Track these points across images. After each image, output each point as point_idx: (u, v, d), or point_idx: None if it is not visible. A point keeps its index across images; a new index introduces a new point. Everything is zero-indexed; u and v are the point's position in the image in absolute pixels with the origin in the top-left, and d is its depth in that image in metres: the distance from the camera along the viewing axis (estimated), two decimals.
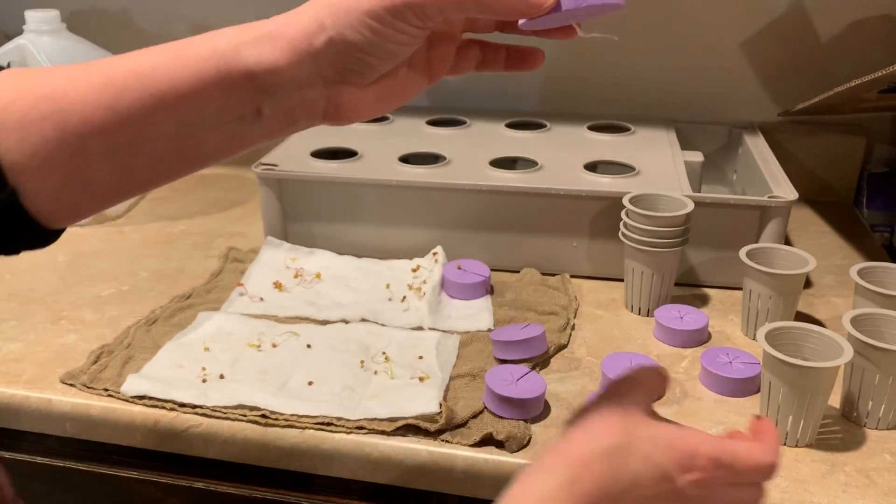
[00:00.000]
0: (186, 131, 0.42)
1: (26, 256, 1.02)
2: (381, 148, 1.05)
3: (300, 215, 0.98)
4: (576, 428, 0.45)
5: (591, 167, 0.98)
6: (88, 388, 0.73)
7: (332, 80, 0.43)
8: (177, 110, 0.42)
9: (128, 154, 0.42)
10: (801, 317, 0.86)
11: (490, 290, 0.90)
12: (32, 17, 1.04)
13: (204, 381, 0.73)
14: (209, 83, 0.41)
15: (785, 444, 0.67)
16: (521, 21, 0.43)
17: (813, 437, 0.66)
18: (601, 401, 0.47)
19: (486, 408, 0.70)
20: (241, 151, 0.45)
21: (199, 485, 0.74)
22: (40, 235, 0.44)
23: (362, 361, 0.76)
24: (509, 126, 1.14)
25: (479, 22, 0.47)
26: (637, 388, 0.48)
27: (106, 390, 0.72)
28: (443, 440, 0.67)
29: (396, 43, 0.42)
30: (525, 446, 0.66)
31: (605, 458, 0.43)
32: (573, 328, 0.83)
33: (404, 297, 0.88)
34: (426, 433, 0.67)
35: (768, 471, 0.46)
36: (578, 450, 0.44)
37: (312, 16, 0.41)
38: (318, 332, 0.81)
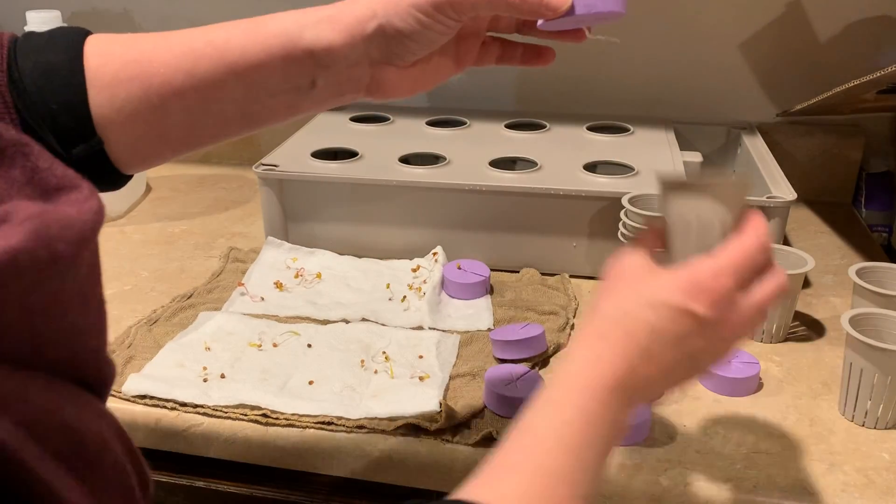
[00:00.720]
0: (252, 96, 0.50)
1: None
2: (381, 148, 1.05)
3: (301, 215, 0.98)
4: (588, 315, 0.49)
5: (591, 167, 0.98)
6: None
7: (377, 60, 0.50)
8: (245, 78, 0.49)
9: (201, 113, 0.50)
10: (800, 317, 0.86)
11: (490, 289, 0.90)
12: (33, 17, 1.04)
13: (205, 380, 0.73)
14: (275, 56, 0.49)
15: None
16: (539, 22, 0.51)
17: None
18: (603, 288, 0.49)
19: (485, 407, 0.70)
20: (293, 117, 0.53)
21: (200, 484, 0.74)
22: (115, 179, 0.51)
23: (362, 361, 0.77)
24: (509, 126, 1.14)
25: (502, 22, 0.55)
26: (629, 257, 0.49)
27: None
28: (443, 439, 0.67)
29: (435, 32, 0.49)
30: None
31: (614, 325, 0.46)
32: (573, 328, 0.84)
33: (404, 297, 0.88)
34: (426, 432, 0.67)
35: (765, 246, 0.48)
36: (592, 329, 0.47)
37: (367, 4, 0.49)
38: (318, 331, 0.82)
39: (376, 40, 0.49)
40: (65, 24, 1.06)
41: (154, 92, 0.48)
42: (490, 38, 0.56)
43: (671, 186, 0.51)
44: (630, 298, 0.47)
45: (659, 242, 0.51)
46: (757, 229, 0.49)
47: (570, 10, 0.50)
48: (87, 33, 0.50)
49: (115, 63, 0.48)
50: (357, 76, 0.51)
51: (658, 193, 0.51)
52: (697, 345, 0.46)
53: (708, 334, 0.46)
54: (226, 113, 0.51)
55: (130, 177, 0.52)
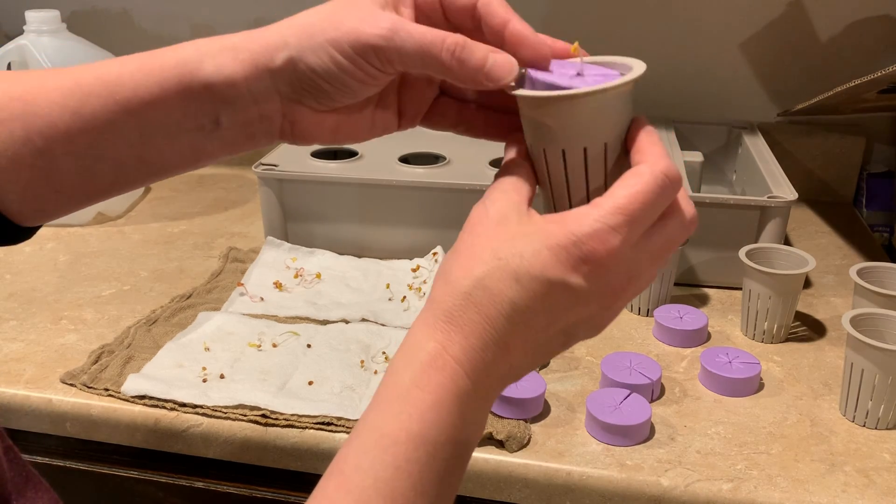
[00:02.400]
0: (148, 139, 0.43)
1: (27, 256, 1.02)
2: (381, 148, 1.05)
3: (300, 215, 0.98)
4: (437, 279, 0.40)
5: None
6: (89, 387, 0.73)
7: (289, 98, 0.42)
8: (139, 117, 0.42)
9: (91, 158, 0.43)
10: (801, 317, 0.86)
11: None
12: (33, 17, 1.04)
13: (204, 380, 0.73)
14: (171, 91, 0.42)
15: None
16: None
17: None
18: (460, 239, 0.41)
19: None
20: (201, 164, 0.45)
21: (200, 484, 0.74)
22: (11, 233, 0.45)
23: (362, 361, 0.76)
24: None
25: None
26: (493, 202, 0.41)
27: (106, 390, 0.72)
28: None
29: (354, 79, 0.41)
30: (525, 446, 0.66)
31: (468, 302, 0.38)
32: None
33: (404, 297, 0.88)
34: None
35: (664, 180, 0.38)
36: (441, 305, 0.38)
37: (279, 32, 0.42)
38: (318, 331, 0.81)
39: (285, 75, 0.41)
40: (63, 24, 1.06)
41: (37, 133, 0.42)
42: (445, 98, 0.48)
43: (532, 103, 0.40)
44: (488, 264, 0.38)
45: (533, 178, 0.41)
46: (653, 155, 0.39)
47: (520, 82, 0.41)
48: None
49: None
50: (267, 115, 0.43)
51: (521, 116, 0.41)
52: (572, 319, 0.39)
53: (587, 306, 0.38)
54: (121, 158, 0.43)
55: (32, 230, 0.46)
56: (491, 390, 0.39)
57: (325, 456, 0.68)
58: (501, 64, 0.40)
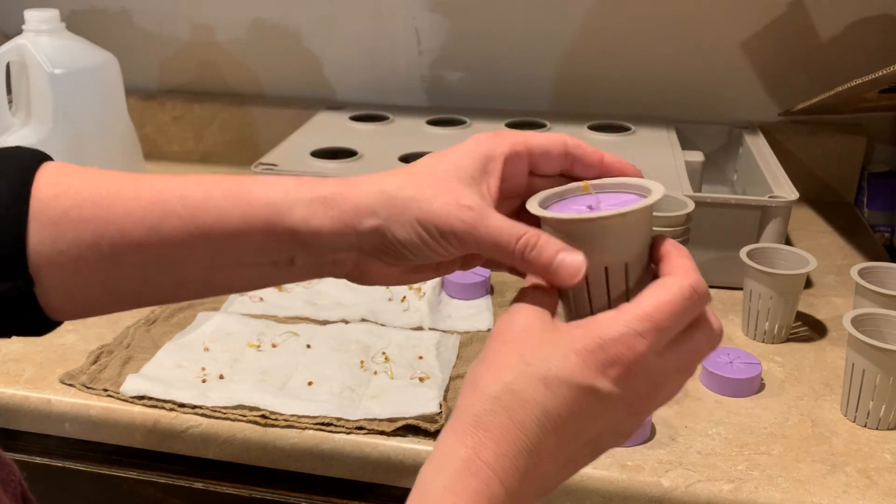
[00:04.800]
0: (220, 265, 0.44)
1: None
2: (381, 148, 1.05)
3: None
4: (464, 387, 0.40)
5: None
6: (88, 388, 0.73)
7: (367, 254, 0.44)
8: (217, 245, 0.43)
9: (157, 272, 0.43)
10: (802, 317, 0.86)
11: (490, 290, 0.90)
12: (32, 16, 1.04)
13: (203, 381, 0.73)
14: (255, 228, 0.42)
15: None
16: None
17: None
18: (486, 348, 0.41)
19: None
20: (258, 289, 0.47)
21: (199, 485, 0.74)
22: (39, 325, 0.44)
23: (362, 362, 0.76)
24: (509, 126, 1.14)
25: None
26: (518, 312, 0.41)
27: (105, 390, 0.72)
28: None
29: (434, 252, 0.43)
30: None
31: (497, 406, 0.37)
32: None
33: (404, 297, 0.88)
34: (426, 433, 0.67)
35: (693, 291, 0.39)
36: (470, 410, 0.38)
37: (367, 202, 0.42)
38: (317, 332, 0.81)
39: (371, 239, 0.43)
40: (63, 24, 1.06)
41: (108, 240, 0.42)
42: None
43: (555, 224, 0.41)
44: (517, 370, 0.37)
45: (555, 292, 0.42)
46: (682, 269, 0.40)
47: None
48: (44, 158, 0.44)
49: (68, 199, 0.42)
50: (341, 261, 0.44)
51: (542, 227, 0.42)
52: (600, 427, 0.38)
53: (615, 411, 0.38)
54: (186, 276, 0.44)
55: (58, 324, 0.45)
56: (522, 501, 0.37)
57: (325, 456, 0.68)
58: (568, 265, 0.40)
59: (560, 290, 0.42)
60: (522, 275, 0.46)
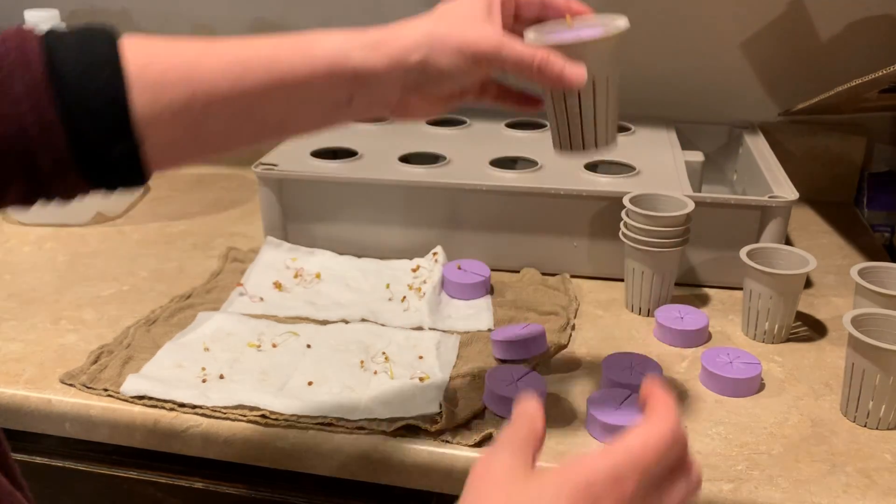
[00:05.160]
0: (292, 109, 0.52)
1: (26, 256, 1.02)
2: (381, 148, 1.05)
3: (300, 215, 0.98)
4: None
5: (592, 167, 0.98)
6: (88, 388, 0.73)
7: (410, 88, 0.54)
8: (290, 91, 0.51)
9: (242, 121, 0.51)
10: (802, 317, 0.86)
11: (490, 290, 0.90)
12: (32, 16, 1.04)
13: (204, 381, 0.73)
14: (320, 74, 0.51)
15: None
16: None
17: None
18: (469, 488, 0.41)
19: (486, 408, 0.70)
20: (323, 130, 0.56)
21: (199, 485, 0.74)
22: (141, 178, 0.50)
23: (362, 361, 0.76)
24: (509, 126, 1.14)
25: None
26: (500, 454, 0.42)
27: (105, 390, 0.72)
28: (443, 440, 0.67)
29: (465, 76, 0.54)
30: None
31: None
32: (573, 328, 0.83)
33: (404, 297, 0.88)
34: (426, 433, 0.67)
35: (676, 435, 0.40)
36: None
37: (414, 36, 0.53)
38: (318, 332, 0.81)
39: (415, 72, 0.53)
40: (63, 24, 1.06)
41: (199, 97, 0.48)
42: (490, 80, 0.62)
43: (558, 49, 0.55)
44: None
45: (535, 439, 0.42)
46: (666, 413, 0.41)
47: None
48: (116, 32, 0.49)
49: (159, 65, 0.48)
50: (388, 98, 0.54)
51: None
52: None
53: None
54: (266, 122, 0.52)
55: (149, 177, 0.51)
56: None
57: (325, 456, 0.68)
58: (574, 71, 0.54)
59: (557, 116, 0.57)
60: (522, 104, 0.63)
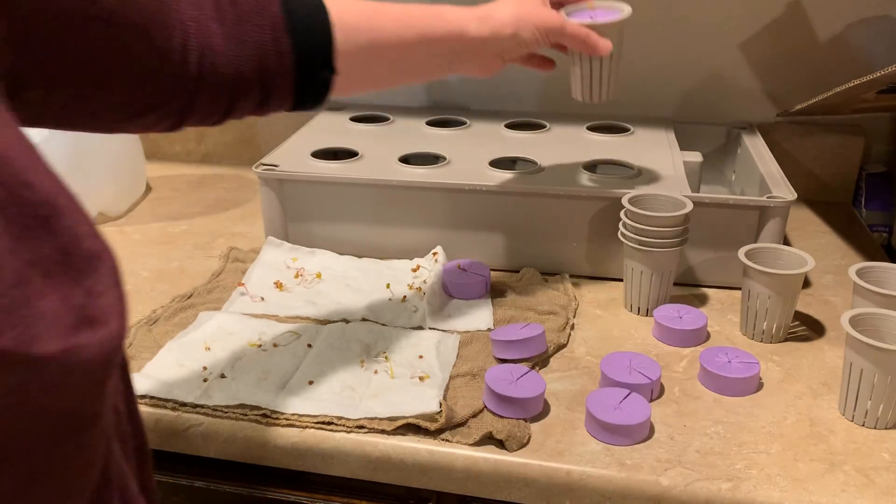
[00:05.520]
0: (426, 59, 0.73)
1: None
2: (381, 148, 1.05)
3: (301, 215, 0.98)
4: None
5: (591, 167, 0.98)
6: None
7: (496, 54, 0.76)
8: (429, 45, 0.71)
9: (396, 63, 0.71)
10: (800, 317, 0.86)
11: (490, 289, 0.90)
12: None
13: (205, 380, 0.73)
14: (449, 36, 0.71)
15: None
16: None
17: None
18: None
19: (485, 407, 0.70)
20: (434, 78, 0.82)
21: (200, 484, 0.75)
22: (323, 101, 0.66)
23: (362, 361, 0.77)
24: (509, 126, 1.14)
25: None
26: None
27: None
28: (443, 439, 0.67)
29: (536, 45, 0.77)
30: (525, 445, 0.66)
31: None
32: (573, 328, 0.84)
33: (404, 297, 0.88)
34: (426, 432, 0.67)
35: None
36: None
37: (508, 14, 0.74)
38: (318, 331, 0.82)
39: (507, 40, 0.74)
40: None
41: (374, 43, 0.66)
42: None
43: (594, 27, 0.78)
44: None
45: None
46: None
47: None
48: None
49: (350, 16, 0.65)
50: (484, 58, 0.76)
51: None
52: None
53: None
54: (408, 67, 0.72)
55: (328, 100, 0.67)
56: None
57: (325, 455, 0.68)
58: (606, 43, 0.78)
59: (581, 73, 0.82)
60: (544, 65, 0.84)
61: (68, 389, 0.26)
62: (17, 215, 0.27)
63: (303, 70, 0.62)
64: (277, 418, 0.69)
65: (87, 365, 0.26)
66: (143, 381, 0.72)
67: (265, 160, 1.00)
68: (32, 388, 0.25)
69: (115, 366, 0.29)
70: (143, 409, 0.71)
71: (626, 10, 0.80)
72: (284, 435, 0.68)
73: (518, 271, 0.95)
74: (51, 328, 0.26)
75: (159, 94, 0.57)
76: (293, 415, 0.69)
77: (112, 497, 0.34)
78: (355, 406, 0.70)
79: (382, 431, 0.68)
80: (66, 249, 0.28)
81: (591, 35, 0.77)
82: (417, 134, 1.12)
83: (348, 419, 0.68)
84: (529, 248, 0.94)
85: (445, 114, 1.19)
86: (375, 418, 0.68)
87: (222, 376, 0.74)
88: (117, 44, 0.52)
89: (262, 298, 0.89)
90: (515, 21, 0.74)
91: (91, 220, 0.30)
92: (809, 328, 0.85)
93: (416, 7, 0.70)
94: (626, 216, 0.85)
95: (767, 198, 0.88)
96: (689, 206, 0.84)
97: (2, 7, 0.43)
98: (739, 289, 0.83)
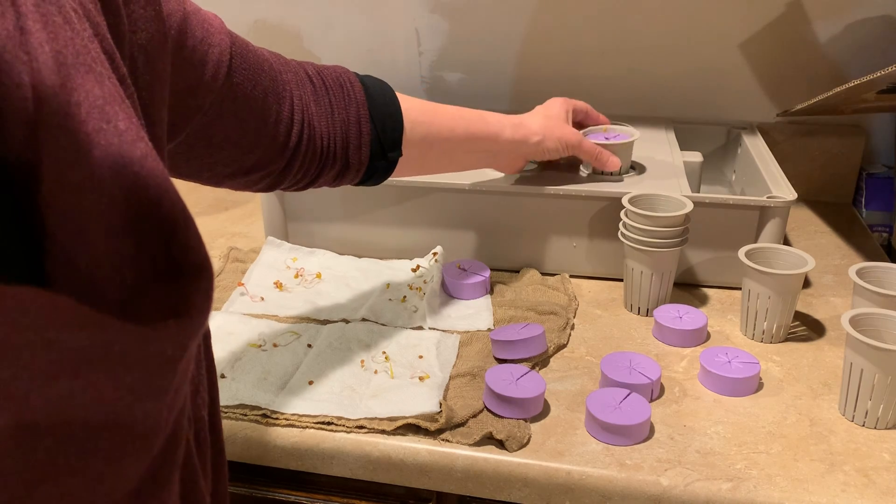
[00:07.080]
0: (467, 152, 0.84)
1: None
2: None
3: (301, 215, 0.98)
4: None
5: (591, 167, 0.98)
6: None
7: (522, 155, 0.89)
8: (473, 142, 0.82)
9: (445, 155, 0.82)
10: (800, 317, 0.86)
11: (490, 290, 0.90)
12: None
13: None
14: (488, 136, 0.83)
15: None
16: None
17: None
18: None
19: (485, 407, 0.70)
20: (474, 169, 0.89)
21: None
22: (383, 180, 0.77)
23: (362, 361, 0.77)
24: None
25: None
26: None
27: None
28: (443, 439, 0.67)
29: (556, 155, 0.90)
30: (525, 445, 0.66)
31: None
32: (573, 328, 0.84)
33: (404, 297, 0.88)
34: (426, 432, 0.67)
35: None
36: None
37: (537, 125, 0.87)
38: (318, 331, 0.82)
39: (533, 147, 0.87)
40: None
41: (432, 134, 0.77)
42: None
43: (608, 146, 0.94)
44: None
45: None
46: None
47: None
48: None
49: (414, 111, 0.75)
50: (514, 158, 0.90)
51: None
52: None
53: None
54: (454, 158, 0.83)
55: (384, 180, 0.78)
56: None
57: (325, 455, 0.68)
58: (615, 160, 0.93)
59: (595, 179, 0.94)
60: (550, 167, 0.98)
61: (150, 360, 0.31)
62: (147, 231, 0.32)
63: (377, 150, 0.72)
64: (277, 418, 0.69)
65: (169, 341, 0.31)
66: None
67: None
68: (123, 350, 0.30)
69: (190, 353, 0.33)
70: None
71: (636, 134, 0.95)
72: (284, 435, 0.68)
73: (518, 271, 0.95)
74: (151, 313, 0.32)
75: (267, 156, 0.64)
76: (293, 415, 0.69)
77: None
78: (355, 406, 0.70)
79: (382, 431, 0.68)
80: (177, 259, 0.33)
81: (603, 152, 0.91)
82: None
83: (348, 419, 0.68)
84: (529, 248, 0.94)
85: None
86: (375, 418, 0.68)
87: (222, 376, 0.74)
88: (241, 114, 0.60)
89: (262, 298, 0.89)
90: (542, 131, 0.87)
91: (199, 235, 0.34)
92: (809, 328, 0.85)
93: (466, 110, 0.82)
94: (626, 216, 0.85)
95: (767, 198, 0.88)
96: (689, 206, 0.84)
97: (165, 79, 0.46)
98: (739, 289, 0.83)
